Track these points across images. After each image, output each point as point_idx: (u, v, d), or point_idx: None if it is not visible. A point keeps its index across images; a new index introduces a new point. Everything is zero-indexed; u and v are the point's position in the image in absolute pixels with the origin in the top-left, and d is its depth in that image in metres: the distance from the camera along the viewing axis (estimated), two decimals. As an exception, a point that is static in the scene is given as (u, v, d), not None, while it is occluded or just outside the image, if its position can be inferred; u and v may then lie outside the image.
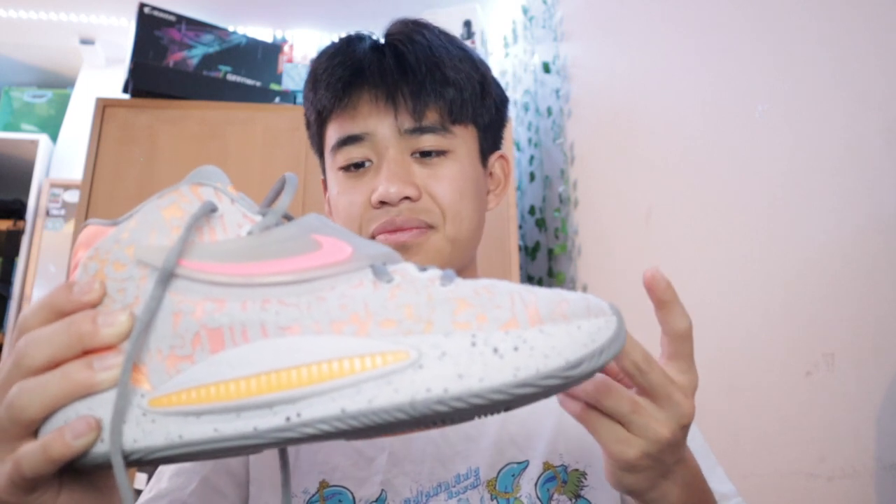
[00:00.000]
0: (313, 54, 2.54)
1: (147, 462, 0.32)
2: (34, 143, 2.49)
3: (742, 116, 1.09)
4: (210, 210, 0.35)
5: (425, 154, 0.64)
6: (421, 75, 0.63)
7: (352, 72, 0.64)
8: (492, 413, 0.32)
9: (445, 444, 0.62)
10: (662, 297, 0.44)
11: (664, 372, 0.43)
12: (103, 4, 2.55)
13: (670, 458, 0.44)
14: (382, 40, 0.68)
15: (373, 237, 0.63)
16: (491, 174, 0.72)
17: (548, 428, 0.63)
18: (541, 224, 2.05)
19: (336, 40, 0.69)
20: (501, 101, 0.72)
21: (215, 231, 0.35)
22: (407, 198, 0.62)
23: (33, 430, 0.33)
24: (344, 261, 0.33)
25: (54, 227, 2.40)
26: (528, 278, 2.14)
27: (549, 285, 2.06)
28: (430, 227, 0.64)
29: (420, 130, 0.64)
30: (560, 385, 0.31)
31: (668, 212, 1.35)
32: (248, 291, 0.32)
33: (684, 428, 0.43)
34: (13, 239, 2.40)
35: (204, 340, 0.31)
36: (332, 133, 0.66)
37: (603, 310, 0.33)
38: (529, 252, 2.13)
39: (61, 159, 2.57)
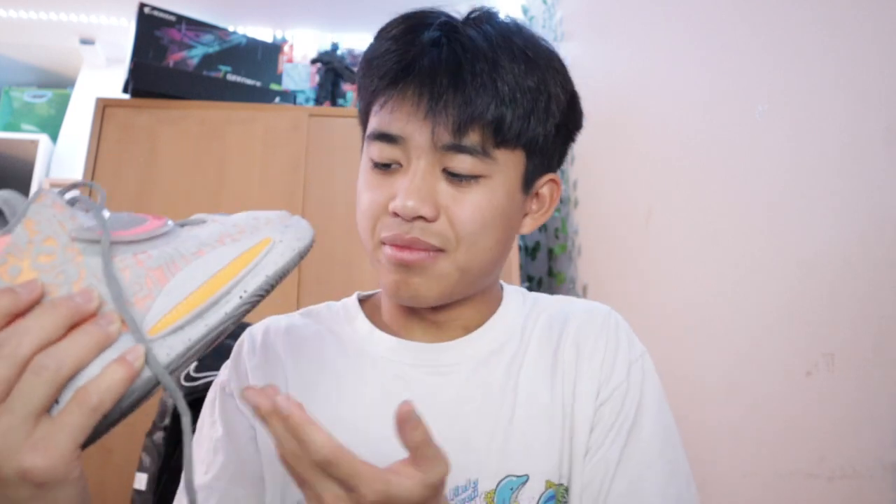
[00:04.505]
0: (313, 54, 2.54)
1: (181, 366, 0.43)
2: (34, 143, 2.49)
3: (742, 116, 1.09)
4: (74, 187, 0.46)
5: (456, 175, 0.59)
6: (472, 89, 0.57)
7: (404, 66, 0.59)
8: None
9: None
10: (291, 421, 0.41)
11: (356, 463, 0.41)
12: (103, 4, 2.55)
13: None
14: (448, 27, 0.61)
15: (382, 244, 0.61)
16: (537, 195, 0.67)
17: (549, 444, 0.62)
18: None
19: (412, 12, 0.63)
20: (568, 121, 0.65)
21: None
22: (422, 217, 0.58)
23: (56, 398, 0.38)
24: (166, 220, 0.46)
25: (54, 227, 2.40)
26: (529, 278, 2.14)
27: (550, 285, 2.06)
28: (440, 250, 0.60)
29: (457, 149, 0.58)
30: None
31: (668, 212, 1.35)
32: (156, 241, 0.44)
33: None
34: (13, 239, 2.40)
35: (154, 279, 0.43)
36: (374, 119, 0.62)
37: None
38: (529, 252, 2.13)
39: (61, 159, 2.57)
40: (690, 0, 1.33)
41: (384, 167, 0.61)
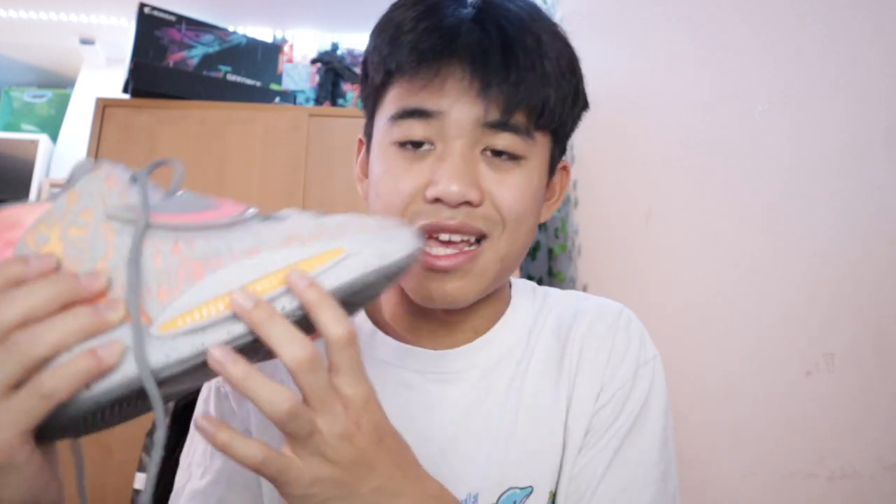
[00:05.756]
0: (313, 54, 2.54)
1: (181, 375, 0.37)
2: (34, 143, 2.49)
3: (742, 116, 1.09)
4: (155, 167, 0.43)
5: (497, 153, 0.57)
6: (525, 66, 0.55)
7: (446, 41, 0.55)
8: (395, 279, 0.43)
9: (446, 466, 0.59)
10: (305, 297, 0.39)
11: (329, 379, 0.40)
12: (103, 4, 2.55)
13: (356, 482, 0.42)
14: (477, 6, 0.58)
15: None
16: (549, 183, 0.65)
17: (553, 452, 0.60)
18: (541, 224, 2.05)
19: None
20: (584, 108, 0.65)
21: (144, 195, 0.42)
22: (468, 202, 0.56)
23: (28, 377, 0.35)
24: (246, 209, 0.42)
25: (54, 227, 2.40)
26: (528, 278, 2.14)
27: (549, 285, 2.06)
28: (484, 235, 0.57)
29: (503, 126, 0.56)
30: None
31: (668, 212, 1.36)
32: (210, 231, 0.40)
33: (343, 438, 0.40)
34: (13, 239, 2.40)
35: (188, 272, 0.38)
36: (396, 100, 0.58)
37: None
38: (529, 252, 2.13)
39: (61, 159, 2.57)
40: (690, 0, 1.33)
41: (416, 147, 0.57)
